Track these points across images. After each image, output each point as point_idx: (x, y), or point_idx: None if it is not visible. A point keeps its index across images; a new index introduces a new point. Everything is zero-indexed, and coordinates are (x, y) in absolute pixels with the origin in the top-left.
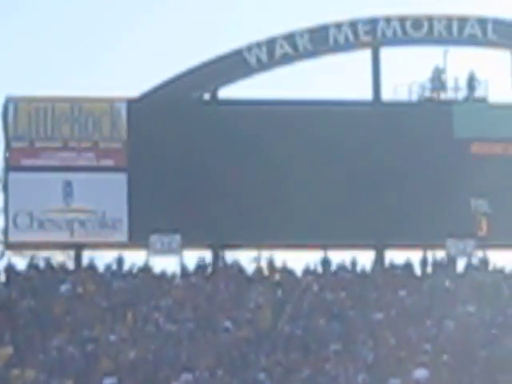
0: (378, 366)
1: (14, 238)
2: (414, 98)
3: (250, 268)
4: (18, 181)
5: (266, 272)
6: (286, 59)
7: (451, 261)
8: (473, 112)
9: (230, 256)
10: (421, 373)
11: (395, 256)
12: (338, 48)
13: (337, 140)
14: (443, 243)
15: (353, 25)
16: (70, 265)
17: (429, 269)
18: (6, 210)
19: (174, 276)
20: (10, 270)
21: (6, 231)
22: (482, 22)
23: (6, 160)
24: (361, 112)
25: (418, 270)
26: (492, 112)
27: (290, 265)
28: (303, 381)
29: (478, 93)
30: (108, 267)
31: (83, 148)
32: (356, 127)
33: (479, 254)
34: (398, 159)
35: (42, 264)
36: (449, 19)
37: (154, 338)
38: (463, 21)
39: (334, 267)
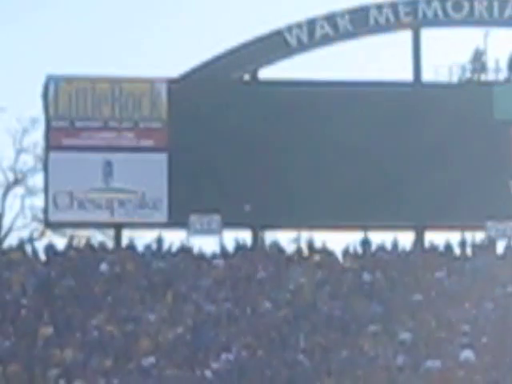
0: (417, 347)
1: (54, 217)
2: (455, 79)
3: (289, 249)
4: (59, 160)
5: (305, 253)
6: (327, 40)
7: (491, 242)
8: None
9: (270, 237)
10: (461, 354)
11: (435, 237)
12: (378, 29)
13: (377, 121)
14: (483, 225)
15: (393, 6)
16: (110, 245)
17: (468, 250)
18: (46, 190)
19: (213, 256)
20: (49, 249)
21: (46, 211)
22: None
23: (47, 139)
24: (401, 93)
25: (457, 252)
26: None
27: (330, 246)
28: (342, 361)
29: None
30: (148, 247)
31: (123, 128)
32: (396, 108)
33: None
34: (438, 141)
35: (81, 244)
36: (490, 0)
37: (194, 318)
38: (504, 2)
39: (373, 248)
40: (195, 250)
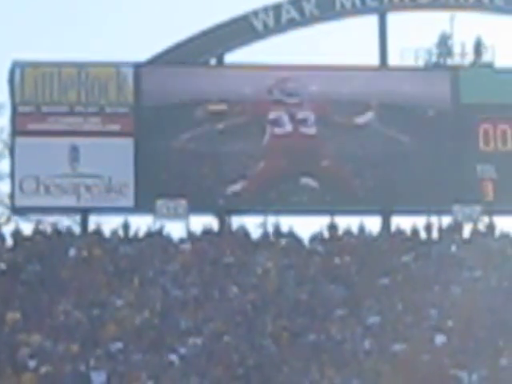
0: (384, 331)
1: (20, 202)
2: (421, 63)
3: (256, 233)
4: (25, 145)
5: (272, 237)
6: (293, 24)
7: (458, 226)
8: (479, 77)
9: (236, 221)
10: (428, 338)
11: (402, 222)
12: (344, 13)
13: (343, 105)
14: (450, 209)
15: None
16: (77, 230)
17: (435, 234)
18: (12, 175)
19: (180, 241)
20: (16, 234)
21: (12, 196)
22: None
23: (13, 125)
24: (367, 77)
25: (424, 236)
26: (499, 77)
27: (297, 230)
28: (309, 346)
29: (485, 58)
30: (114, 232)
31: (89, 113)
32: (362, 92)
33: (485, 219)
34: (404, 124)
35: (48, 229)
36: None
37: (161, 303)
38: None
39: (340, 232)
40: (164, 232)
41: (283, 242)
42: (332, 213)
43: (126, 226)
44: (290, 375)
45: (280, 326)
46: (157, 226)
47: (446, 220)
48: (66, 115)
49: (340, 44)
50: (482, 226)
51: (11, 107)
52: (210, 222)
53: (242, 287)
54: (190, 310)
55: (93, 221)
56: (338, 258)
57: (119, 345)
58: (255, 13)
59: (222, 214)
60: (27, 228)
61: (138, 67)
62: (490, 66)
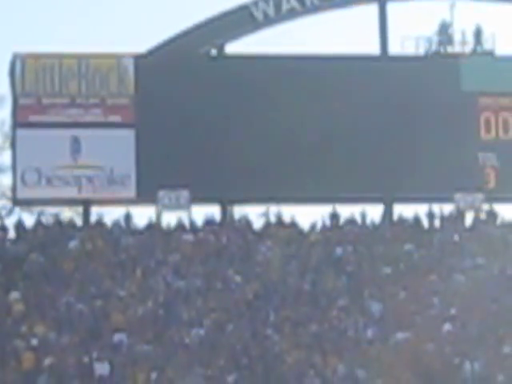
0: (387, 319)
1: (22, 194)
2: (421, 51)
3: (258, 223)
4: (26, 137)
5: (274, 227)
6: (293, 14)
7: (459, 214)
8: (480, 65)
9: (238, 211)
10: (430, 326)
11: (404, 210)
12: (344, 2)
13: (344, 95)
14: (451, 197)
15: None
16: (78, 221)
17: (437, 223)
18: (13, 167)
19: (182, 231)
20: (18, 226)
21: (14, 188)
22: None
23: (14, 117)
24: (368, 66)
25: (426, 224)
26: (499, 65)
27: (299, 219)
28: (312, 335)
29: (485, 46)
30: (116, 223)
31: (91, 104)
32: (363, 81)
33: (487, 207)
34: (405, 113)
35: (50, 220)
36: None
37: (163, 294)
38: None
39: (342, 221)
40: (164, 225)
41: (285, 231)
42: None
43: (127, 217)
44: (294, 365)
45: (283, 315)
46: (162, 216)
47: (448, 208)
48: (67, 107)
49: (340, 33)
50: (483, 214)
51: (12, 99)
52: (212, 211)
53: (244, 277)
54: (193, 301)
55: (94, 212)
56: (340, 247)
57: (122, 336)
58: (255, 3)
59: (224, 204)
60: (29, 220)
61: (139, 58)
62: (490, 54)
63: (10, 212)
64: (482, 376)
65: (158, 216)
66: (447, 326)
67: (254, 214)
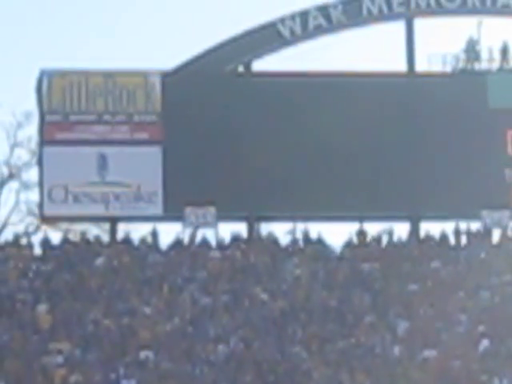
0: (414, 337)
1: (49, 211)
2: (448, 69)
3: (284, 240)
4: (53, 155)
5: (301, 244)
6: (320, 31)
7: (486, 231)
8: (507, 82)
9: (265, 228)
10: (458, 344)
11: (431, 228)
12: (371, 19)
13: (372, 112)
14: (478, 214)
15: None
16: (105, 238)
17: (464, 240)
18: (40, 184)
19: (209, 248)
20: (45, 243)
21: (41, 205)
22: None
23: (41, 134)
24: (395, 83)
25: (453, 241)
26: None
27: (326, 237)
28: (339, 352)
29: None
30: (143, 240)
31: (117, 121)
32: (391, 99)
33: None
34: (432, 130)
35: (77, 238)
36: None
37: (190, 311)
38: None
39: (369, 239)
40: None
41: (312, 248)
42: (361, 219)
43: (154, 234)
44: (320, 382)
45: (309, 332)
46: (188, 234)
47: (475, 225)
48: (93, 124)
49: (367, 50)
50: (510, 231)
51: (39, 116)
52: (238, 229)
53: (271, 294)
54: (220, 318)
55: (121, 229)
56: (367, 264)
57: (149, 353)
58: (282, 20)
59: (251, 221)
60: (56, 237)
61: (166, 75)
62: None
63: (37, 229)
64: None
65: (193, 235)
66: (474, 344)
67: (281, 231)
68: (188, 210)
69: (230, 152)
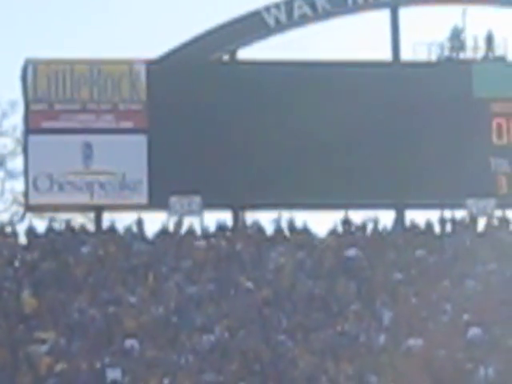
0: (399, 326)
1: (34, 200)
2: (433, 57)
3: (270, 229)
4: (38, 143)
5: (286, 232)
6: (305, 20)
7: (471, 220)
8: (492, 71)
9: (250, 217)
10: (442, 333)
11: (416, 216)
12: (356, 8)
13: (356, 101)
14: (463, 202)
15: None
16: (90, 227)
17: (449, 228)
18: (26, 173)
19: (194, 237)
20: (30, 232)
21: (26, 194)
22: None
23: (26, 122)
24: (380, 72)
25: (437, 230)
26: (511, 70)
27: (311, 225)
28: (324, 341)
29: (497, 52)
30: (128, 229)
31: (102, 110)
32: (376, 87)
33: (499, 213)
34: (417, 119)
35: (61, 226)
36: None
37: (175, 300)
38: None
39: (354, 227)
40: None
41: (297, 237)
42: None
43: (139, 223)
44: (305, 370)
45: (295, 321)
46: (173, 222)
47: (460, 214)
48: (78, 113)
49: (352, 39)
50: (495, 220)
51: (24, 105)
52: (224, 217)
53: (256, 283)
54: (205, 307)
55: (106, 218)
56: (352, 253)
57: (134, 342)
58: (267, 8)
59: (236, 210)
60: (41, 226)
61: (150, 64)
62: (502, 59)
63: (22, 218)
64: (495, 382)
65: (179, 223)
66: (460, 332)
67: (266, 219)
68: (173, 199)
69: (215, 141)
